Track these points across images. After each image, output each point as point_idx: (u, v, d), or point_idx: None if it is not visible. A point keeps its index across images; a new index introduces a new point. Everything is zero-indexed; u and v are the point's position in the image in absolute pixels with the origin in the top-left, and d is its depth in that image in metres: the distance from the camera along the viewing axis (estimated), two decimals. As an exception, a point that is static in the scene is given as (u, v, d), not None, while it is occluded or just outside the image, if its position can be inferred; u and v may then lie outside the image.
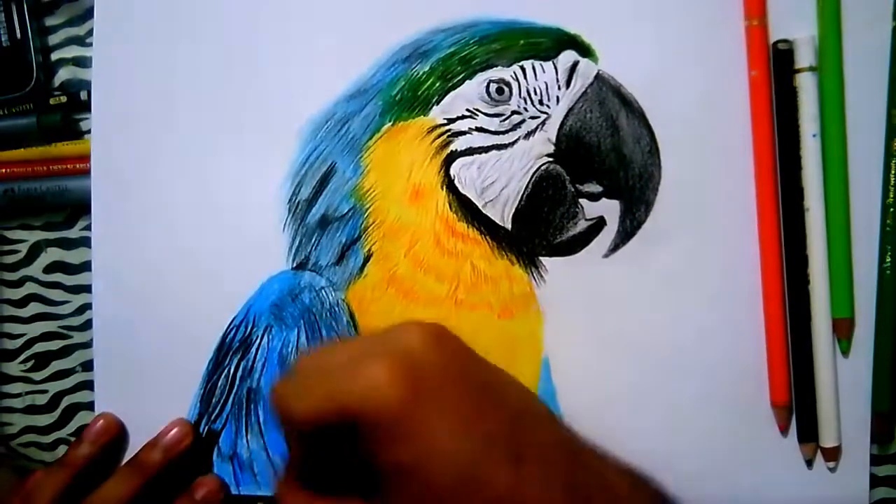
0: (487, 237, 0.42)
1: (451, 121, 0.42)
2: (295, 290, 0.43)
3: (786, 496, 0.41)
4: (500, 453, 0.29)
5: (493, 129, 0.42)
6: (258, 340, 0.43)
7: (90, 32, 0.45)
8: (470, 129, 0.42)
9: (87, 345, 0.45)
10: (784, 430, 0.41)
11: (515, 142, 0.42)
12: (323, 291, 0.43)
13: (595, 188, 0.41)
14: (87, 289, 0.45)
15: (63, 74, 0.46)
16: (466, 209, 0.42)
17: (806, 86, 0.40)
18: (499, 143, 0.42)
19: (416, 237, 0.42)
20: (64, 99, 0.45)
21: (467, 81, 0.42)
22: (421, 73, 0.42)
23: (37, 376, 0.46)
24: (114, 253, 0.44)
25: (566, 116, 0.41)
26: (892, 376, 0.40)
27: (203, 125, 0.44)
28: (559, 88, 0.41)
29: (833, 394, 0.40)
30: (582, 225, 0.42)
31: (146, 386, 0.44)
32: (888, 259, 0.40)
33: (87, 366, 0.46)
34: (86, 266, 0.45)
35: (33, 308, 0.46)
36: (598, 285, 0.41)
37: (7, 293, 0.47)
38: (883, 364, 0.40)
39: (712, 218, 0.41)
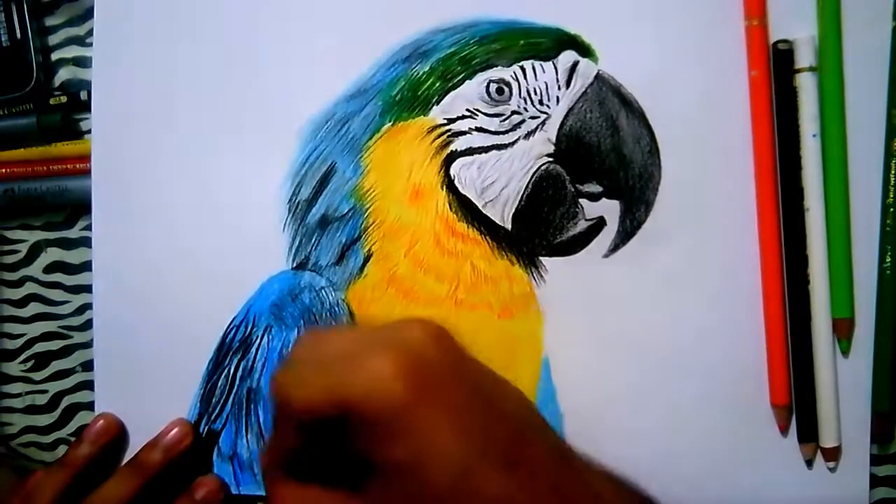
0: (487, 237, 0.42)
1: (451, 121, 0.42)
2: (295, 290, 0.43)
3: (786, 496, 0.41)
4: (497, 457, 0.28)
5: (493, 129, 0.42)
6: (258, 340, 0.43)
7: (90, 32, 0.45)
8: (470, 129, 0.42)
9: (88, 345, 0.45)
10: (784, 430, 0.41)
11: (515, 142, 0.42)
12: (323, 291, 0.43)
13: (595, 188, 0.41)
14: (87, 289, 0.45)
15: (63, 74, 0.46)
16: (466, 209, 0.42)
17: (806, 86, 0.40)
18: (499, 143, 0.42)
19: (416, 237, 0.42)
20: (64, 99, 0.45)
21: (467, 81, 0.42)
22: (421, 73, 0.42)
23: (37, 376, 0.46)
24: (114, 253, 0.44)
25: (566, 116, 0.41)
26: (892, 376, 0.40)
27: (203, 125, 0.44)
28: (559, 88, 0.41)
29: (833, 394, 0.40)
30: (582, 225, 0.42)
31: (146, 386, 0.44)
32: (888, 259, 0.40)
33: (87, 366, 0.46)
34: (86, 266, 0.45)
35: (33, 308, 0.46)
36: (598, 285, 0.41)
37: (7, 293, 0.47)
38: (883, 364, 0.40)
39: (712, 218, 0.41)
